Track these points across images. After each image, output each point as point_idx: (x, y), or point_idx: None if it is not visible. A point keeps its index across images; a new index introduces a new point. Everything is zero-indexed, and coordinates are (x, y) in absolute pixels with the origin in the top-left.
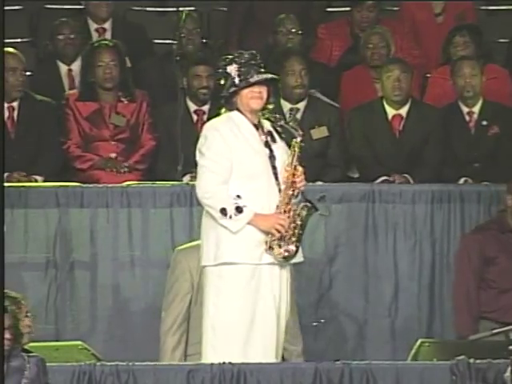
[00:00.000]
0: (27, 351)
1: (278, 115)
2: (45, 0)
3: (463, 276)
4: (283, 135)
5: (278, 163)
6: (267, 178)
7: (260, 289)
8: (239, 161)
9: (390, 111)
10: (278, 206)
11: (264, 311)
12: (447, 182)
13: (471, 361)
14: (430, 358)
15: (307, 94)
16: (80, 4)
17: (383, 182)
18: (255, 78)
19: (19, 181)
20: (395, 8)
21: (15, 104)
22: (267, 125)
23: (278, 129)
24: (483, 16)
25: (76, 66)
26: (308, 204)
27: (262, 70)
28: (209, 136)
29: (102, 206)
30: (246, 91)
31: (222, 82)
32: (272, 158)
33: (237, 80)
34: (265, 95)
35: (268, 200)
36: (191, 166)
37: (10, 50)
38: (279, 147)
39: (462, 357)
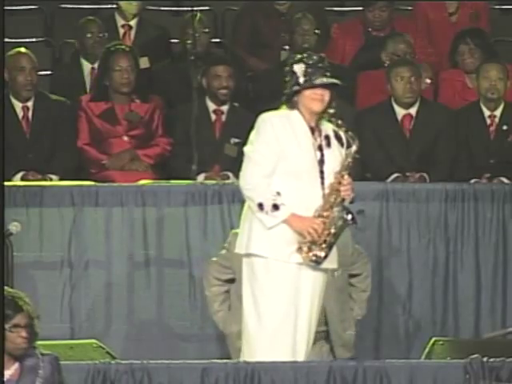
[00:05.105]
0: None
1: (340, 121)
2: (60, 0)
3: None
4: (344, 142)
5: (326, 168)
6: (311, 181)
7: (294, 288)
8: (285, 158)
9: (400, 111)
10: (316, 210)
11: (298, 311)
12: (461, 180)
13: (485, 359)
14: (444, 357)
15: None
16: (95, 4)
17: (396, 178)
18: (319, 80)
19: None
20: (409, 8)
21: (30, 104)
22: (327, 129)
23: (341, 134)
24: (496, 15)
25: None
26: (345, 215)
27: (328, 73)
28: (261, 127)
29: (116, 204)
30: (308, 92)
31: (287, 78)
32: (321, 162)
33: (301, 79)
34: (327, 98)
35: (307, 202)
36: (206, 165)
37: (20, 49)
38: (332, 153)
39: (475, 355)
